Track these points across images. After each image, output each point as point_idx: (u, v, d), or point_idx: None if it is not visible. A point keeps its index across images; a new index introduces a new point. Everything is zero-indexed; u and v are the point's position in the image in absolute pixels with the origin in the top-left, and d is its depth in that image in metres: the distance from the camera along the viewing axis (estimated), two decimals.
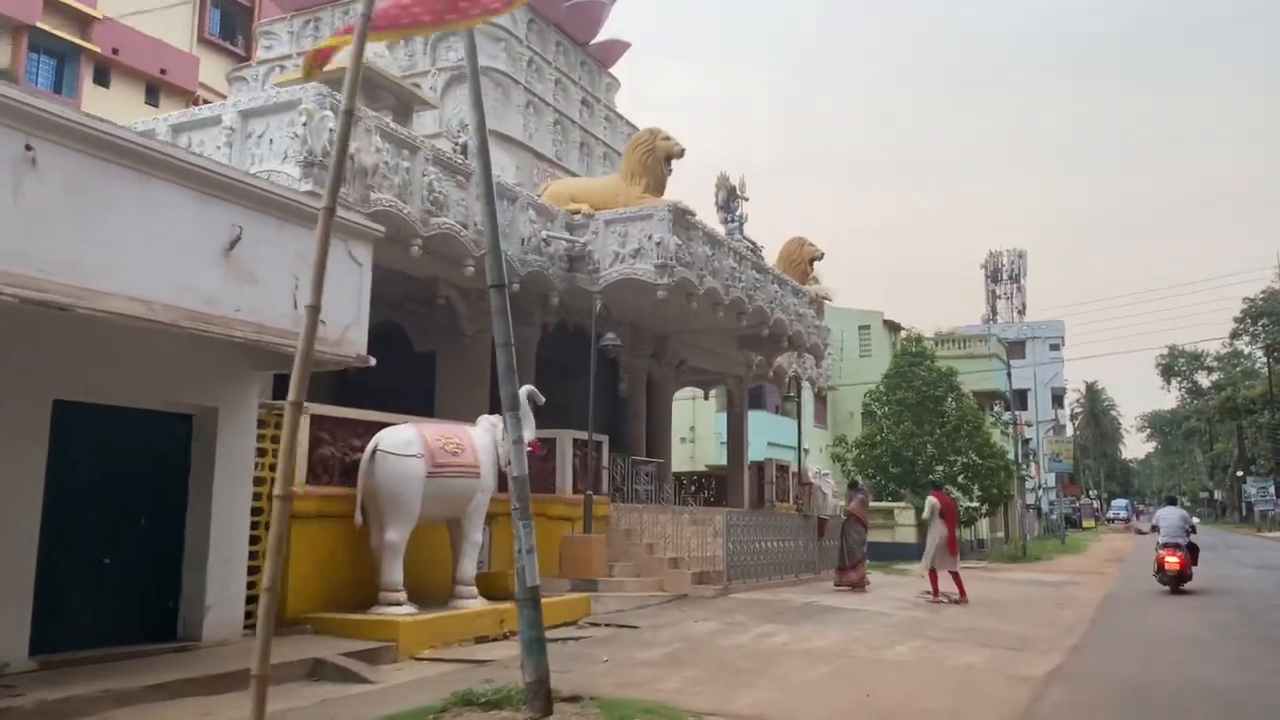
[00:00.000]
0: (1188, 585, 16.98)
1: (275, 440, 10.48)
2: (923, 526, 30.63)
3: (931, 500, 15.92)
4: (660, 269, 14.79)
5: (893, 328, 41.81)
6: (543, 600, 12.52)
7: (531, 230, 14.49)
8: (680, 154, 15.61)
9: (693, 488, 23.74)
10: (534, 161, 17.72)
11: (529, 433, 13.08)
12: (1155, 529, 17.93)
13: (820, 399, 40.33)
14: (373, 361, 9.58)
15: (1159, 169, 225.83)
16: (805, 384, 25.19)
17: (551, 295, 15.41)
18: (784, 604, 13.39)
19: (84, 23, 25.78)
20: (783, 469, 23.01)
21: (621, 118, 21.81)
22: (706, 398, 28.64)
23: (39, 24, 24.55)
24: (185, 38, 28.71)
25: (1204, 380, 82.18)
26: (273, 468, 10.42)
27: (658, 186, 15.56)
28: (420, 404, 15.78)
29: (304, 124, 10.83)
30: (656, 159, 15.46)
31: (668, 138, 15.56)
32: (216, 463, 9.26)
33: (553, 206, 15.37)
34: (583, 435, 14.83)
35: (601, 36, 21.47)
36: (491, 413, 13.42)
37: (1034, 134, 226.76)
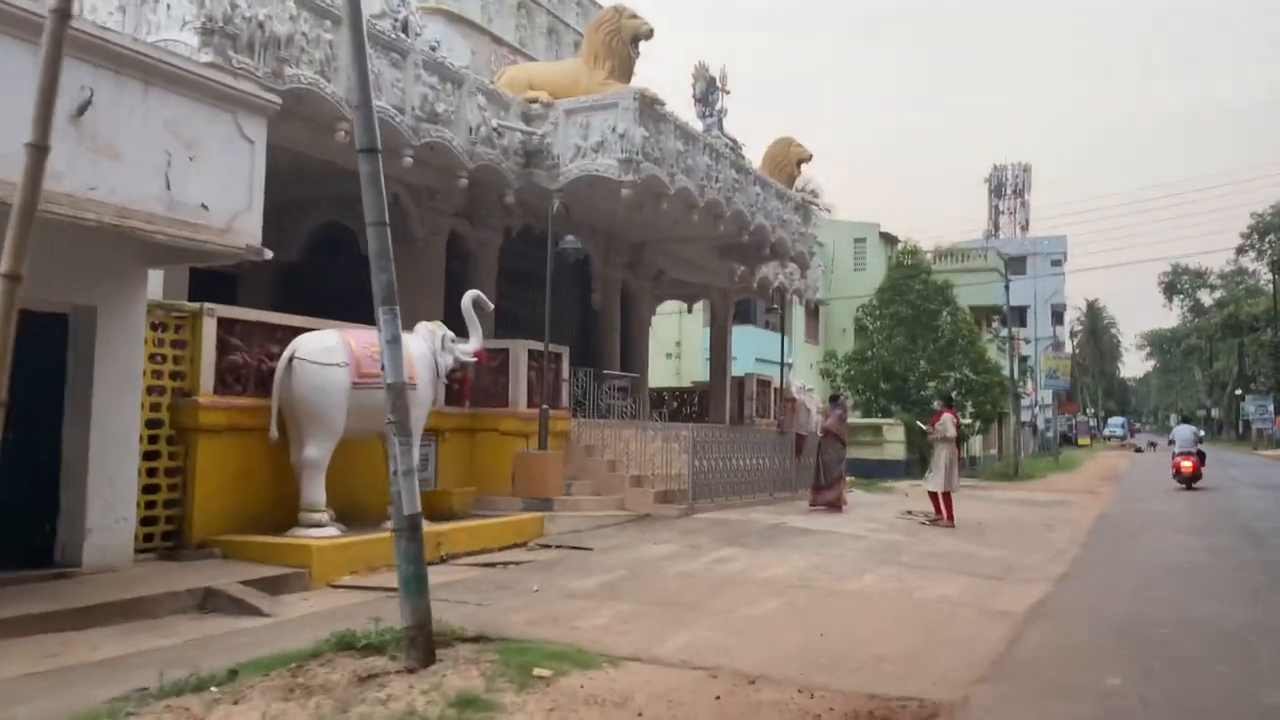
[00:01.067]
0: (1197, 484, 21.85)
1: (177, 345, 9.39)
2: (914, 444, 29.87)
3: (949, 419, 14.67)
4: (624, 164, 13.48)
5: (890, 241, 40.43)
6: (492, 520, 11.59)
7: (481, 119, 13.14)
8: (649, 34, 14.14)
9: (675, 404, 22.80)
10: (492, 47, 16.25)
11: (475, 342, 12.02)
12: (1172, 443, 24.37)
13: (812, 314, 39.22)
14: (268, 254, 8.42)
15: (1167, 82, 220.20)
16: (792, 296, 24.02)
17: (507, 193, 14.14)
18: (751, 525, 12.47)
19: None
20: (764, 384, 21.99)
21: (596, 3, 20.18)
22: (690, 311, 27.51)
23: None
24: None
25: (1206, 298, 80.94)
26: (175, 375, 9.36)
27: (624, 72, 14.15)
28: (368, 311, 14.65)
29: None
30: (622, 40, 14.01)
31: (634, 16, 14.08)
32: (96, 369, 8.16)
33: (506, 94, 14.00)
34: (539, 345, 13.72)
35: None
36: (447, 320, 12.38)
37: (1040, 49, 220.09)
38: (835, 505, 15.00)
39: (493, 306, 12.11)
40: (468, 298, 11.77)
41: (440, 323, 11.42)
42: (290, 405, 9.60)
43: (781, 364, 21.83)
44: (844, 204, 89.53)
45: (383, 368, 5.59)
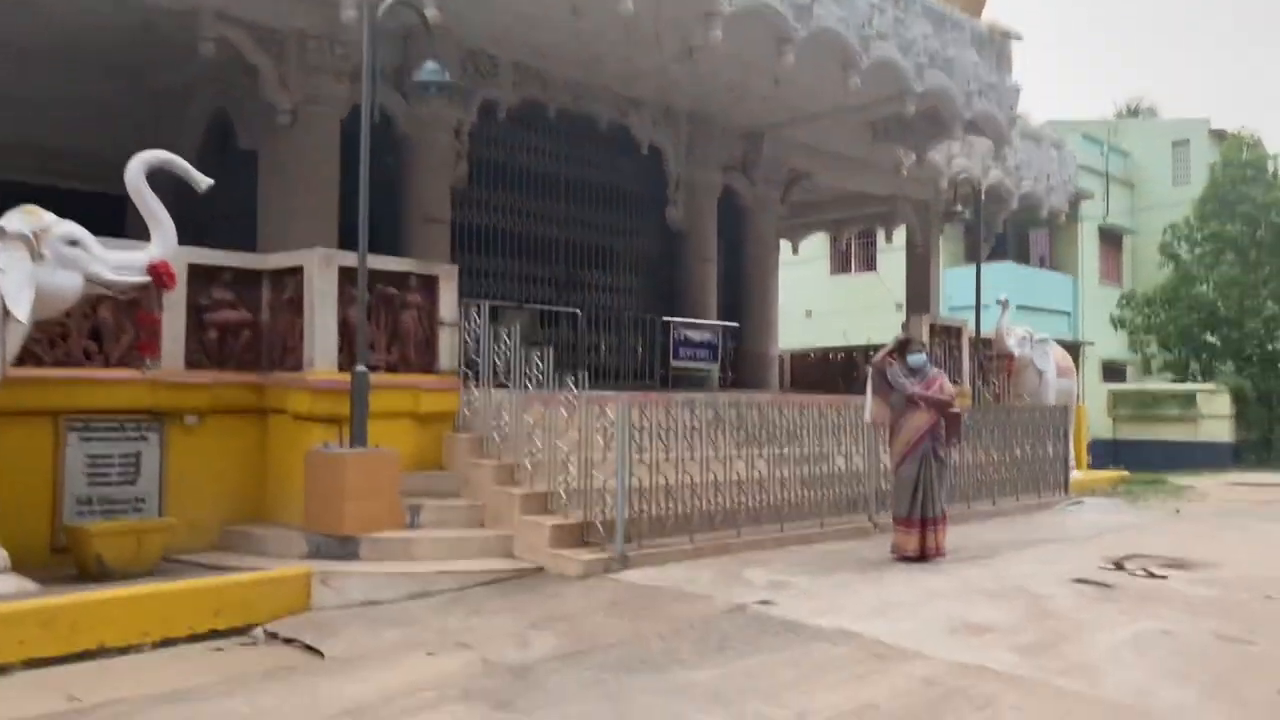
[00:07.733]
0: None
1: None
2: (1247, 419, 20.45)
3: None
4: None
5: (1223, 140, 29.62)
6: (182, 584, 5.85)
7: None
8: None
9: (818, 372, 15.66)
10: None
11: (156, 245, 6.52)
12: None
13: (1111, 244, 29.50)
14: None
15: None
16: (1016, 201, 16.25)
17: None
18: (705, 607, 5.90)
19: None
20: (950, 333, 14.24)
21: None
22: (888, 239, 19.86)
23: None
24: None
25: None
26: None
27: None
28: (242, 222, 9.66)
29: None
30: None
31: None
32: None
33: None
34: (394, 262, 7.98)
35: None
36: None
37: None
38: (929, 552, 7.66)
39: (211, 181, 6.52)
40: (137, 162, 6.32)
41: (39, 209, 6.01)
42: None
43: (977, 300, 14.36)
44: (1158, 97, 61.08)
45: None
